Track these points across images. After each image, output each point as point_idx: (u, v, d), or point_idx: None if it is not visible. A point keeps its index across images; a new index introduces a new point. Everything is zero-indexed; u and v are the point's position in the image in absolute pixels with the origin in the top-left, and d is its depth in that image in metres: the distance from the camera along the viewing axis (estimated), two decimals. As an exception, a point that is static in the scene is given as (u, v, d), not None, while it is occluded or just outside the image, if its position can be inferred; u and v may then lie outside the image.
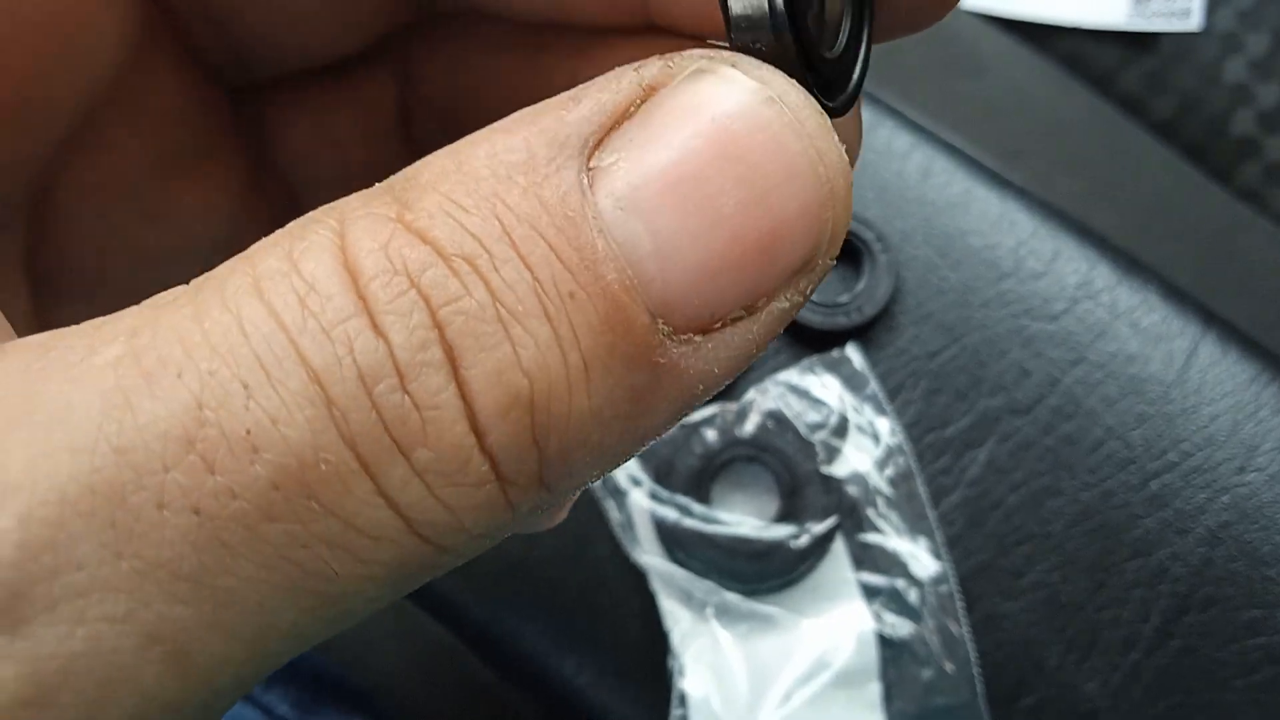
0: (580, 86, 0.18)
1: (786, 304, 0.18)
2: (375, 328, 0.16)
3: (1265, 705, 0.40)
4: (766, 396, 0.42)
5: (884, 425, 0.41)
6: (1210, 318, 0.44)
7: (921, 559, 0.40)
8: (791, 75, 0.18)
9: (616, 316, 0.17)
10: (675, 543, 0.39)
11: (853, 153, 0.23)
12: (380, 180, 0.27)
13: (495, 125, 0.18)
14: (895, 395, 0.42)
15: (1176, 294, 0.44)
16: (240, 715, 0.56)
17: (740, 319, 0.17)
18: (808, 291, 0.18)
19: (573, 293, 0.16)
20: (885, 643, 0.39)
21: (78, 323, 0.17)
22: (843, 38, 0.22)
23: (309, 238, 0.17)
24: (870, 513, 0.41)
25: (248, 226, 0.28)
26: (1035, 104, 0.80)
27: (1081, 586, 0.41)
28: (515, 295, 0.16)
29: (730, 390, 0.43)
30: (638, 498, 0.39)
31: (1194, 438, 0.42)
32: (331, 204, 0.17)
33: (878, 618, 0.39)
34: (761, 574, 0.39)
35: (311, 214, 0.17)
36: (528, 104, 0.24)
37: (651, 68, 0.18)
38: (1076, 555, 0.41)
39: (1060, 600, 0.41)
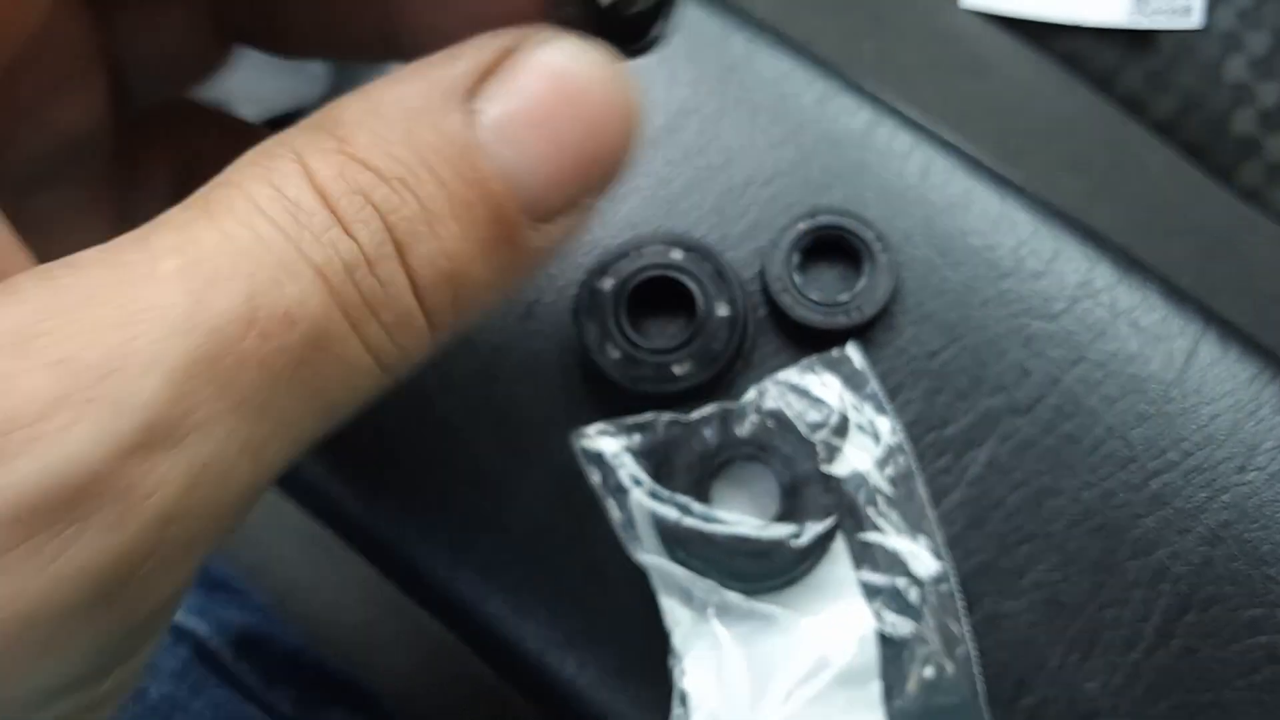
0: (455, 47, 0.25)
1: (591, 201, 0.26)
2: (349, 233, 0.23)
3: (1267, 704, 0.40)
4: (766, 396, 0.42)
5: (884, 424, 0.41)
6: (1210, 317, 0.44)
7: (922, 558, 0.40)
8: (600, 37, 0.26)
9: (499, 214, 0.25)
10: (676, 542, 0.39)
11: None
12: (186, 66, 0.37)
13: (394, 75, 0.25)
14: (895, 395, 0.42)
15: (1177, 293, 0.44)
16: (243, 713, 0.56)
17: (570, 211, 0.26)
18: (592, 205, 0.26)
19: (470, 201, 0.24)
20: (886, 641, 0.39)
21: None
22: None
23: (281, 167, 0.23)
24: (870, 512, 0.41)
25: (105, 118, 0.33)
26: (1036, 102, 0.80)
27: (1082, 586, 0.41)
28: (436, 204, 0.24)
29: (730, 389, 0.43)
30: (638, 496, 0.39)
31: (1194, 436, 0.42)
32: (277, 137, 0.24)
33: (878, 616, 0.39)
34: (762, 573, 0.39)
35: (265, 146, 0.24)
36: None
37: (508, 36, 0.25)
38: (1077, 555, 0.41)
39: (1061, 600, 0.41)
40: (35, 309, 0.21)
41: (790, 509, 0.40)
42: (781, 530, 0.40)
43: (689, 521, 0.39)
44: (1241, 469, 0.42)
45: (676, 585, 0.40)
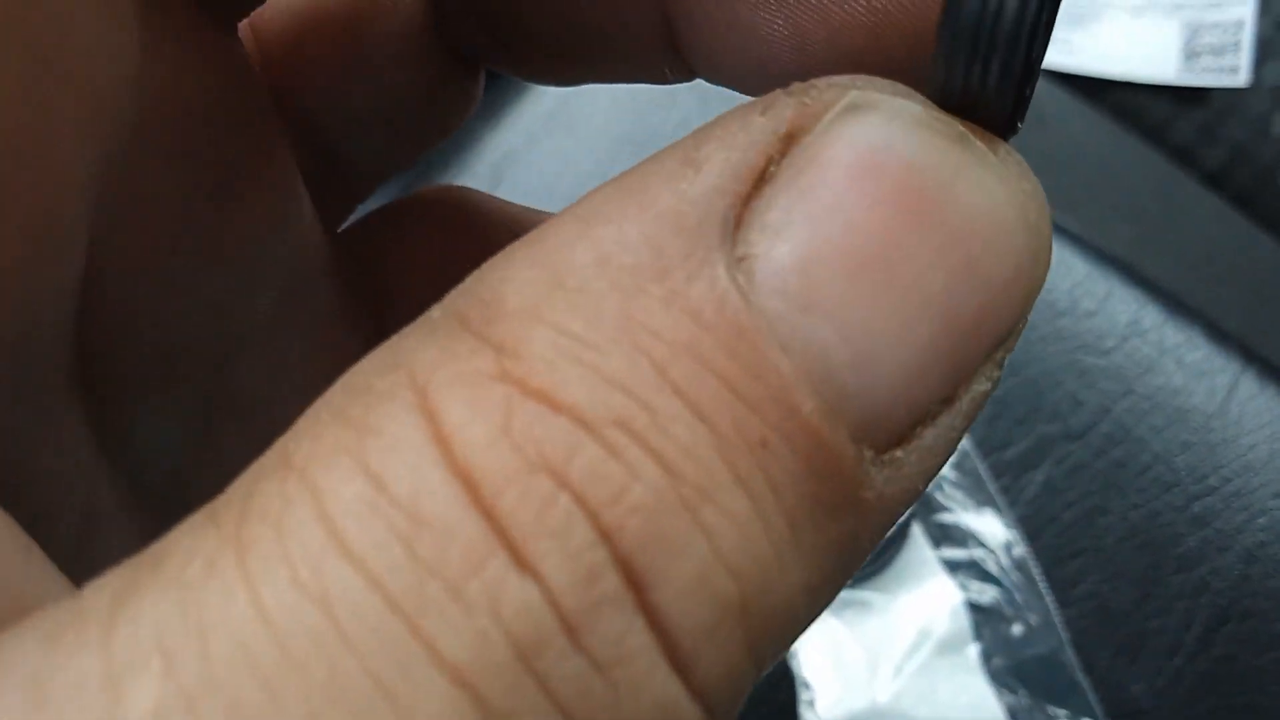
0: (689, 140, 0.13)
1: (987, 384, 0.14)
2: (522, 565, 0.11)
3: (1299, 709, 0.43)
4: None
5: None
6: (1250, 356, 0.48)
7: (992, 528, 0.45)
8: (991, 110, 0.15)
9: (821, 457, 0.12)
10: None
11: None
12: (421, 111, 0.24)
13: (586, 211, 0.13)
14: (960, 420, 0.47)
15: (1219, 333, 0.49)
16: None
17: (939, 414, 0.14)
18: (1003, 361, 0.14)
19: (764, 439, 0.12)
20: (975, 609, 0.43)
21: (152, 455, 0.15)
22: None
23: (385, 428, 0.12)
24: (939, 496, 0.45)
25: (313, 225, 0.23)
26: (1090, 154, 0.84)
27: (1129, 597, 0.45)
28: (696, 462, 0.12)
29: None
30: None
31: (1233, 464, 0.46)
32: (384, 348, 0.13)
33: (964, 587, 0.43)
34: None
35: (357, 379, 0.12)
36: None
37: (783, 107, 0.14)
38: (1125, 569, 0.45)
39: (1110, 609, 0.45)
40: None
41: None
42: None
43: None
44: (1277, 494, 0.46)
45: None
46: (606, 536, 0.11)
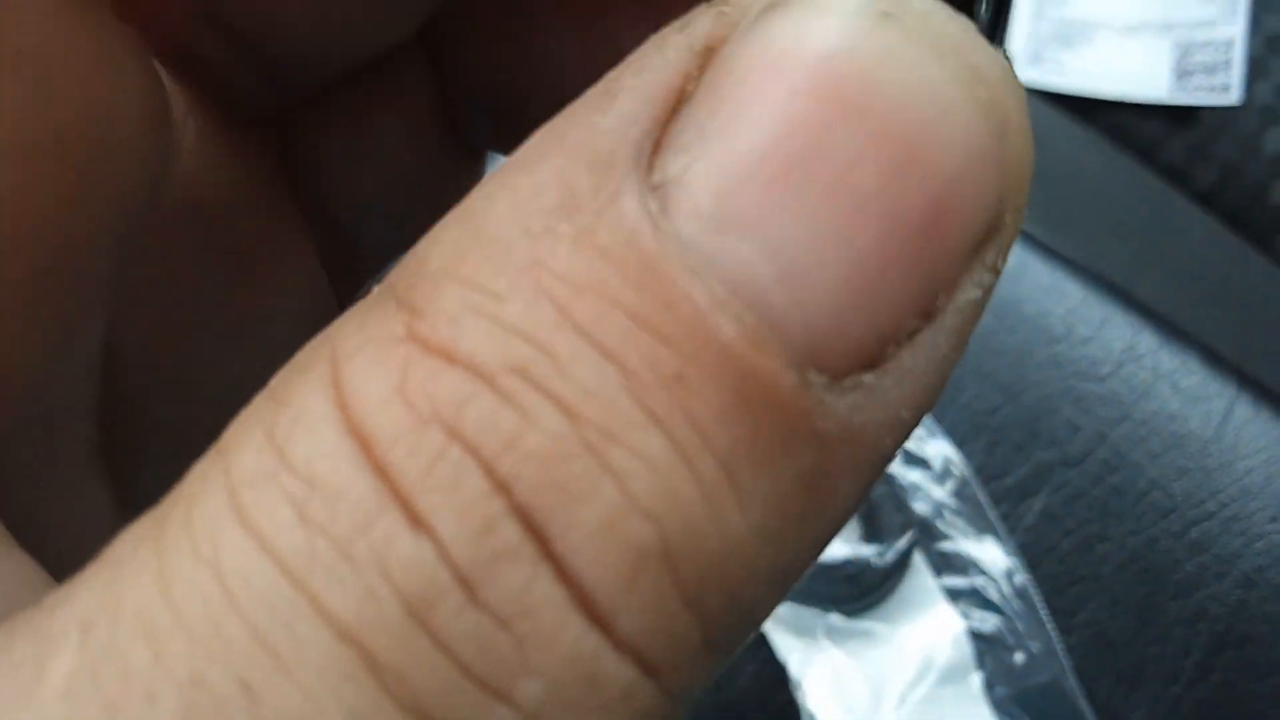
0: (610, 74, 0.13)
1: (977, 290, 0.13)
2: (415, 521, 0.11)
3: (1299, 735, 0.44)
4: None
5: (933, 446, 0.46)
6: (1244, 380, 0.49)
7: (993, 556, 0.45)
8: None
9: (749, 386, 0.11)
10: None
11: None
12: (430, 195, 0.24)
13: (510, 161, 0.13)
14: (960, 447, 0.47)
15: (1214, 358, 0.49)
16: None
17: (918, 330, 0.12)
18: (998, 266, 0.13)
19: (679, 373, 0.11)
20: (977, 637, 0.44)
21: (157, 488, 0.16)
22: None
23: (294, 399, 0.12)
24: (940, 524, 0.45)
25: (327, 300, 0.23)
26: (1084, 174, 0.85)
27: (1129, 624, 0.45)
28: (601, 403, 0.11)
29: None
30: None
31: (1230, 489, 0.46)
32: (325, 330, 0.13)
33: (965, 616, 0.44)
34: (856, 593, 0.44)
35: (299, 355, 0.13)
36: (588, 84, 0.21)
37: (702, 21, 0.13)
38: (1124, 596, 0.45)
39: (1109, 637, 0.45)
40: None
41: (869, 531, 0.45)
42: (867, 551, 0.44)
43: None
44: (1274, 519, 0.46)
45: (782, 618, 0.44)
46: (502, 487, 0.11)
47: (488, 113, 0.24)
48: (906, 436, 0.13)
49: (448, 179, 0.25)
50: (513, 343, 0.11)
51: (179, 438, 0.20)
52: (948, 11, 0.12)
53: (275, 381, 0.12)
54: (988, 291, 0.13)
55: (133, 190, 0.17)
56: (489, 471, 0.11)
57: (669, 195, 0.12)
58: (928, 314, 0.12)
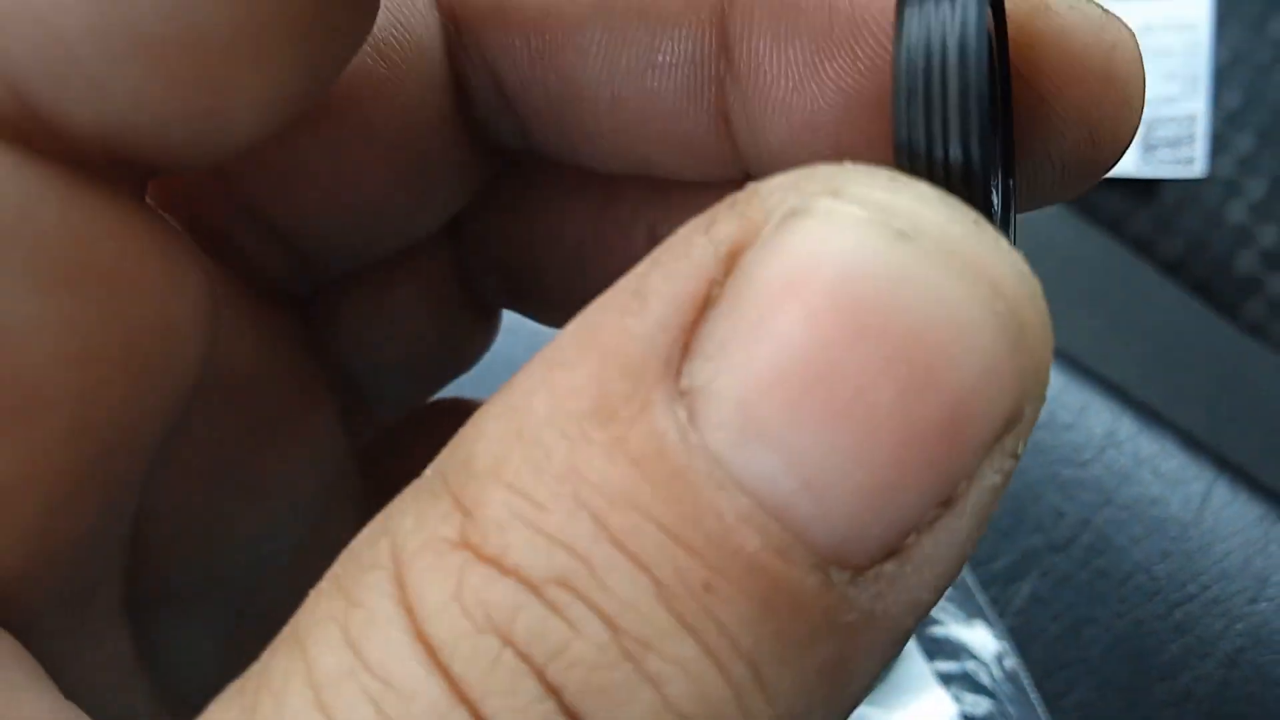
0: (638, 270, 0.13)
1: (997, 477, 0.13)
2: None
3: (1283, 813, 0.45)
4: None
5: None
6: (1223, 463, 0.50)
7: (983, 641, 0.46)
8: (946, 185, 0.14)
9: (776, 593, 0.12)
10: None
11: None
12: (444, 351, 0.26)
13: (549, 353, 0.13)
14: (947, 534, 0.48)
15: (1192, 442, 0.50)
16: None
17: (938, 518, 0.13)
18: (1018, 450, 0.13)
19: (708, 582, 0.12)
20: None
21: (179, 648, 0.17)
22: None
23: (365, 599, 0.13)
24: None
25: (343, 459, 0.24)
26: (1054, 247, 0.87)
27: (1116, 707, 0.46)
28: (638, 614, 0.12)
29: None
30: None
31: (1211, 570, 0.48)
32: (381, 517, 0.14)
33: (958, 700, 0.45)
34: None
35: (358, 545, 0.14)
36: (601, 258, 0.24)
37: (726, 223, 0.13)
38: (1112, 678, 0.47)
39: (1098, 719, 0.46)
40: None
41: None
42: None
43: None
44: (1253, 600, 0.47)
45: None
46: (553, 690, 0.12)
47: (502, 275, 0.25)
48: (928, 612, 0.14)
49: (462, 336, 0.27)
50: (556, 553, 0.12)
51: (200, 590, 0.22)
52: (964, 222, 0.13)
53: (341, 572, 0.13)
54: (1008, 475, 0.13)
55: (186, 383, 0.18)
56: (540, 676, 0.12)
57: (696, 404, 0.12)
58: (949, 502, 0.13)
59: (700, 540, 0.12)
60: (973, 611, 0.47)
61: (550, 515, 0.12)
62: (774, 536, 0.12)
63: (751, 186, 0.13)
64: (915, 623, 0.14)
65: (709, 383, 0.12)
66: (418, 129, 0.22)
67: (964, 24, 0.15)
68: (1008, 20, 0.18)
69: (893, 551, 0.13)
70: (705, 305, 0.13)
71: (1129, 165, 0.88)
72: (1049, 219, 0.88)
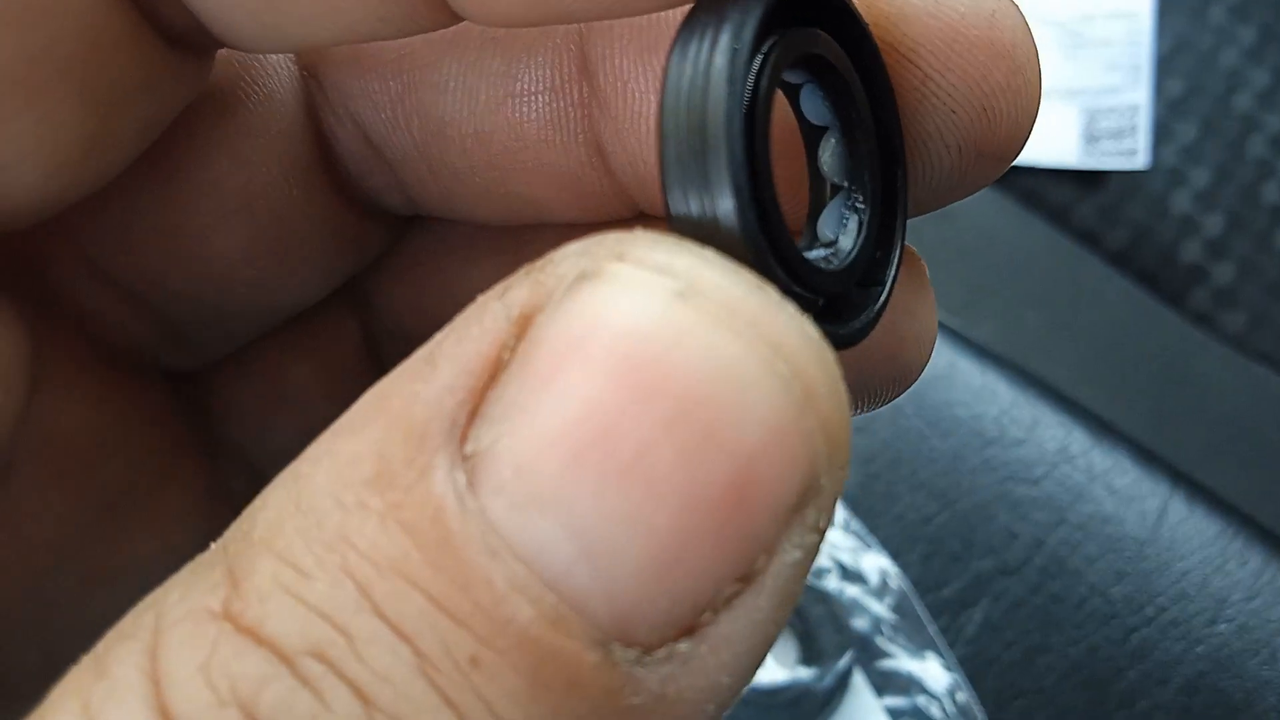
0: (435, 337, 0.13)
1: (798, 552, 0.12)
2: None
3: (1246, 843, 0.43)
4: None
5: (870, 560, 0.45)
6: (1178, 476, 0.48)
7: (934, 674, 0.44)
8: (731, 251, 0.13)
9: (548, 667, 0.11)
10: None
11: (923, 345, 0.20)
12: None
13: (339, 423, 0.13)
14: (896, 559, 0.46)
15: (1146, 455, 0.49)
16: None
17: (737, 594, 0.12)
18: (821, 525, 0.13)
19: (475, 656, 0.11)
20: None
21: None
22: (846, 242, 0.17)
23: (113, 669, 0.12)
24: (880, 640, 0.44)
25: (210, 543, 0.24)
26: (999, 240, 0.85)
27: (1074, 737, 0.44)
28: (394, 688, 0.11)
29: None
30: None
31: (1169, 591, 0.46)
32: (156, 592, 0.13)
33: None
34: (795, 718, 0.43)
35: (126, 618, 0.13)
36: None
37: (519, 288, 0.13)
38: (1068, 708, 0.45)
39: (1055, 750, 0.44)
40: None
41: (808, 653, 0.44)
42: (805, 674, 0.43)
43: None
44: (1212, 621, 0.45)
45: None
46: None
47: (415, 345, 0.24)
48: (733, 701, 0.13)
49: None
50: (314, 624, 0.11)
51: (43, 676, 0.21)
52: (744, 283, 0.12)
53: (101, 645, 0.12)
54: (811, 551, 0.13)
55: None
56: None
57: (477, 469, 0.12)
58: (746, 578, 0.12)
59: (468, 610, 0.11)
60: (923, 643, 0.44)
61: (314, 584, 0.12)
62: (548, 607, 0.11)
63: (549, 254, 0.13)
64: (717, 710, 0.13)
65: (491, 445, 0.12)
66: (272, 183, 0.21)
67: (710, 71, 0.14)
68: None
69: (686, 630, 0.12)
70: (497, 369, 0.12)
71: (1071, 156, 0.87)
72: (993, 213, 0.86)
